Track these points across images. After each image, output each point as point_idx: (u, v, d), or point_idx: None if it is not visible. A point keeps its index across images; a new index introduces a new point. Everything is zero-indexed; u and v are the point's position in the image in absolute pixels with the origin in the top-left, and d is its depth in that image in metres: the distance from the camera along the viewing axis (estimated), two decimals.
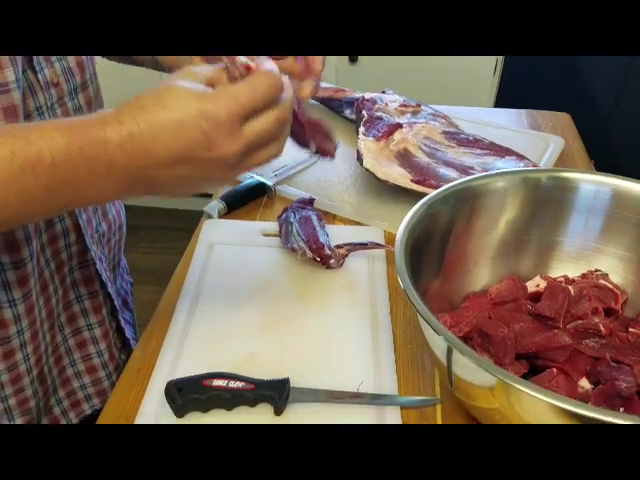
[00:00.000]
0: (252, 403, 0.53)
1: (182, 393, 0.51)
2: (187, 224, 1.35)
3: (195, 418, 0.52)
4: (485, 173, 0.60)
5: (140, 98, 0.41)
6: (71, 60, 0.56)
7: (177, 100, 0.40)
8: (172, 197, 0.45)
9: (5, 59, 0.46)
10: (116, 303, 0.68)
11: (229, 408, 0.52)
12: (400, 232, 0.52)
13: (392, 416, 0.53)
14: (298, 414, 0.53)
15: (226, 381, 0.52)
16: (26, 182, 0.38)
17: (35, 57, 0.51)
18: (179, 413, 0.51)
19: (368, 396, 0.54)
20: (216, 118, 0.40)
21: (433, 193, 0.55)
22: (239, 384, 0.52)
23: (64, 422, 0.66)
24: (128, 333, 0.72)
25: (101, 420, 0.54)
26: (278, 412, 0.52)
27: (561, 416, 0.41)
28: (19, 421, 0.60)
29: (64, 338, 0.64)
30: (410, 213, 0.53)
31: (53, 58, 0.54)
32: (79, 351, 0.66)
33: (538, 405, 0.41)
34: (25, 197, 0.39)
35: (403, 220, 0.53)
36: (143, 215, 2.19)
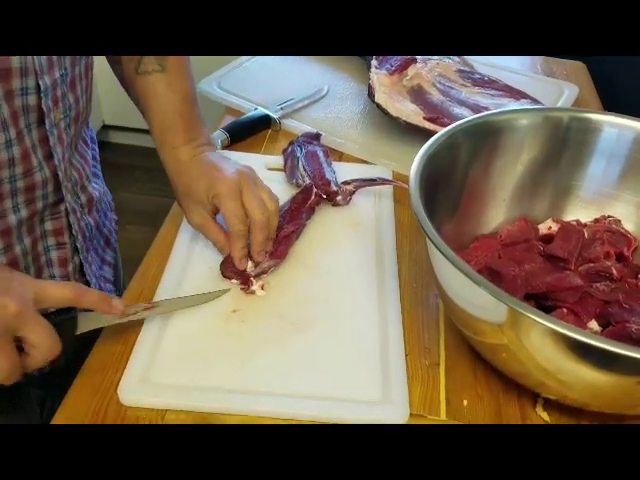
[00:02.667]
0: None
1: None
2: None
3: (238, 401, 0.48)
4: (508, 109, 0.58)
5: None
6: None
7: None
8: None
9: None
10: (83, 255, 0.63)
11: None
12: (416, 161, 0.50)
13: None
14: (305, 331, 0.53)
15: None
16: None
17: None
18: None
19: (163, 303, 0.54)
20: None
21: (454, 124, 0.53)
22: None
23: None
24: (94, 283, 0.66)
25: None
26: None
27: (571, 350, 0.41)
28: None
29: None
30: (429, 142, 0.51)
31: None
32: None
33: (548, 339, 0.41)
34: None
35: (421, 149, 0.51)
36: (140, 155, 2.14)
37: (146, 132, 0.65)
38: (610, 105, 1.00)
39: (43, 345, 0.43)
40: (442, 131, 0.53)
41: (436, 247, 0.44)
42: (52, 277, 0.61)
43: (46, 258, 0.59)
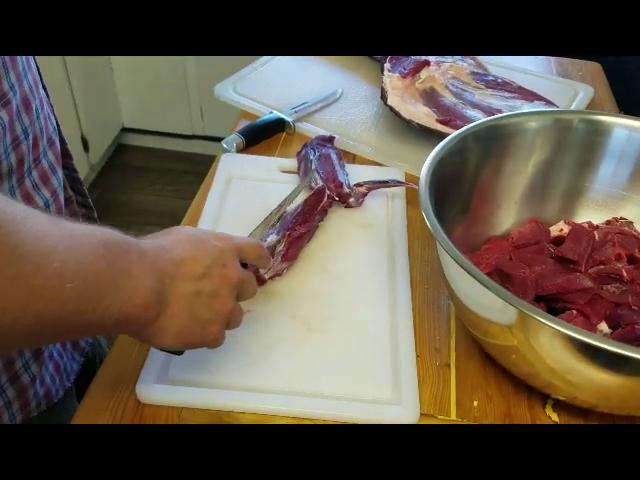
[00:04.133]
0: None
1: None
2: (202, 168, 1.34)
3: (250, 399, 0.49)
4: (517, 112, 0.58)
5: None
6: None
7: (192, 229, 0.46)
8: (174, 338, 0.42)
9: None
10: None
11: None
12: (427, 164, 0.51)
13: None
14: (317, 331, 0.54)
15: None
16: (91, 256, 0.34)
17: None
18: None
19: None
20: (227, 240, 0.45)
21: (465, 128, 0.53)
22: None
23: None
24: None
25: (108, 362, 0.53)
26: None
27: (580, 352, 0.41)
28: None
29: None
30: (440, 145, 0.52)
31: None
32: None
33: (557, 341, 0.42)
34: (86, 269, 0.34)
35: (432, 152, 0.51)
36: (158, 157, 2.18)
37: (164, 135, 0.66)
38: (628, 107, 1.00)
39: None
40: (452, 135, 0.54)
41: (444, 250, 0.45)
42: None
43: None
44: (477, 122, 0.56)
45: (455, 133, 0.53)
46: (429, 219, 0.48)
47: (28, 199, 0.50)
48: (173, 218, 0.67)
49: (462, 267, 0.43)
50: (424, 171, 0.52)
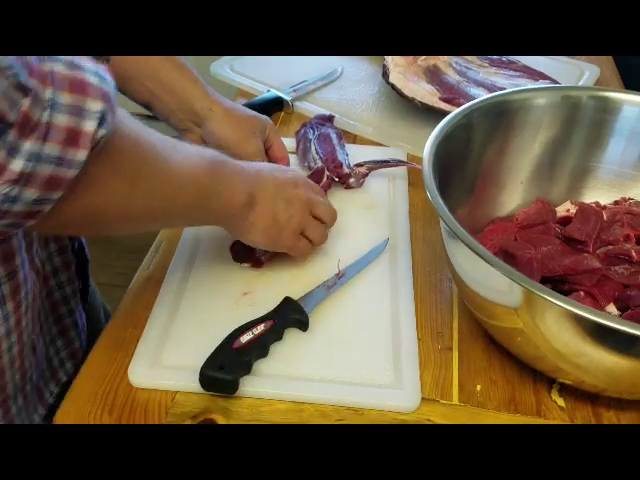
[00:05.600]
0: (280, 336, 0.51)
1: (226, 370, 0.46)
2: None
3: (248, 383, 0.47)
4: (525, 87, 0.56)
5: None
6: None
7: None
8: (267, 231, 0.53)
9: None
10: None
11: (265, 353, 0.49)
12: (430, 141, 0.49)
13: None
14: (318, 315, 0.53)
15: (249, 332, 0.49)
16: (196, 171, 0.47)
17: None
18: (233, 388, 0.47)
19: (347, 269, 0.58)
20: (296, 173, 0.58)
21: (470, 103, 0.51)
22: (261, 327, 0.49)
23: (46, 394, 0.56)
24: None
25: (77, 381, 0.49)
26: (305, 328, 0.52)
27: (589, 333, 0.39)
28: None
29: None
30: (444, 121, 0.50)
31: None
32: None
33: (565, 321, 0.40)
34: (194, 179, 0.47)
35: (435, 128, 0.49)
36: None
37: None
38: (632, 85, 0.98)
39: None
40: (456, 111, 0.52)
41: (450, 228, 0.43)
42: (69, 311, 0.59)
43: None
44: (482, 97, 0.54)
45: (460, 108, 0.51)
46: (434, 199, 0.46)
47: None
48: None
49: (467, 245, 0.42)
50: (427, 149, 0.50)
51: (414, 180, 0.70)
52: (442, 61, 0.74)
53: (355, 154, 0.72)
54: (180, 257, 0.59)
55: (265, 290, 0.56)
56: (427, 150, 0.50)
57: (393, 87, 0.72)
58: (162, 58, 0.59)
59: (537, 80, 0.75)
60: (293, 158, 0.73)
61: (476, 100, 0.52)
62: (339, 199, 0.67)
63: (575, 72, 0.88)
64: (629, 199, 0.58)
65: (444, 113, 0.69)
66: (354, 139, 0.78)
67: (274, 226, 0.53)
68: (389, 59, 0.73)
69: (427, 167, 0.48)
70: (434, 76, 0.73)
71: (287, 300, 0.52)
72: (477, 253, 0.41)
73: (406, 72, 0.72)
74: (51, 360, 0.56)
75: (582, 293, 0.48)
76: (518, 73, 0.76)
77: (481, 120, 0.53)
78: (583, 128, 0.57)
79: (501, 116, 0.54)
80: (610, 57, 0.97)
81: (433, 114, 0.72)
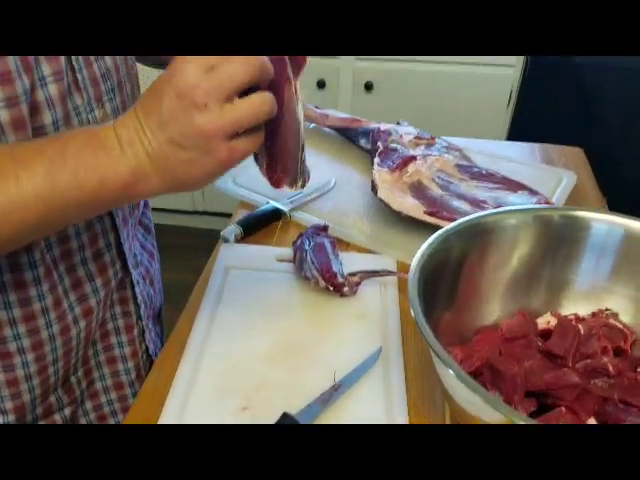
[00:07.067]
0: None
1: None
2: (203, 243, 1.36)
3: None
4: (498, 209, 0.61)
5: None
6: (108, 60, 0.57)
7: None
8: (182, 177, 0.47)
9: (13, 73, 0.47)
10: (145, 322, 0.70)
11: None
12: (414, 264, 0.53)
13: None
14: None
15: None
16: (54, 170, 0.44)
17: (74, 57, 0.53)
18: None
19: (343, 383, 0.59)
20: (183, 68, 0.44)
21: (448, 227, 0.56)
22: None
23: None
24: (152, 350, 0.74)
25: None
26: None
27: None
28: None
29: (95, 352, 0.67)
30: (424, 245, 0.54)
31: (92, 58, 0.55)
32: (108, 367, 0.69)
33: None
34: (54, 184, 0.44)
35: (417, 252, 0.54)
36: (161, 233, 2.22)
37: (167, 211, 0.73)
38: (611, 190, 1.03)
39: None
40: (436, 234, 0.56)
41: (433, 351, 0.47)
42: (120, 344, 0.68)
43: (113, 325, 0.67)
44: (461, 220, 0.59)
45: (438, 233, 0.56)
46: (417, 317, 0.49)
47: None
48: (174, 293, 0.73)
49: (446, 366, 0.45)
50: (412, 269, 0.54)
51: (404, 287, 0.74)
52: (425, 177, 0.81)
53: (349, 261, 0.77)
54: (182, 376, 0.62)
55: (265, 404, 0.58)
56: (412, 271, 0.54)
57: (382, 201, 0.77)
58: None
59: (516, 191, 0.81)
60: (290, 266, 0.78)
61: (452, 224, 0.57)
62: (334, 306, 0.71)
63: (553, 179, 0.94)
64: (606, 309, 0.62)
65: (429, 225, 0.75)
66: (348, 246, 0.83)
67: (189, 172, 0.46)
68: (377, 176, 0.79)
69: (412, 284, 0.52)
70: (418, 191, 0.79)
71: (285, 416, 0.55)
72: (458, 377, 0.44)
73: (392, 188, 0.78)
74: None
75: (563, 409, 0.50)
76: (497, 185, 0.82)
77: (458, 241, 0.58)
78: (557, 244, 0.62)
79: (476, 236, 0.59)
80: (587, 163, 1.04)
81: (420, 225, 0.77)
